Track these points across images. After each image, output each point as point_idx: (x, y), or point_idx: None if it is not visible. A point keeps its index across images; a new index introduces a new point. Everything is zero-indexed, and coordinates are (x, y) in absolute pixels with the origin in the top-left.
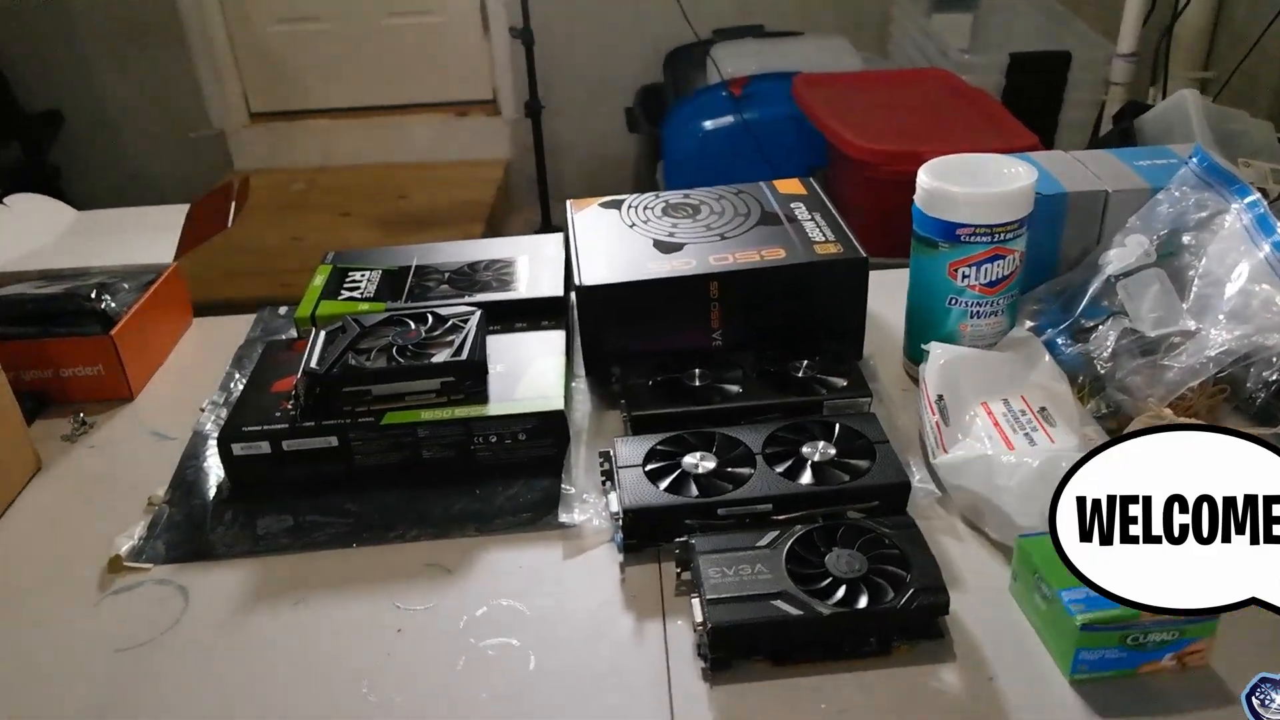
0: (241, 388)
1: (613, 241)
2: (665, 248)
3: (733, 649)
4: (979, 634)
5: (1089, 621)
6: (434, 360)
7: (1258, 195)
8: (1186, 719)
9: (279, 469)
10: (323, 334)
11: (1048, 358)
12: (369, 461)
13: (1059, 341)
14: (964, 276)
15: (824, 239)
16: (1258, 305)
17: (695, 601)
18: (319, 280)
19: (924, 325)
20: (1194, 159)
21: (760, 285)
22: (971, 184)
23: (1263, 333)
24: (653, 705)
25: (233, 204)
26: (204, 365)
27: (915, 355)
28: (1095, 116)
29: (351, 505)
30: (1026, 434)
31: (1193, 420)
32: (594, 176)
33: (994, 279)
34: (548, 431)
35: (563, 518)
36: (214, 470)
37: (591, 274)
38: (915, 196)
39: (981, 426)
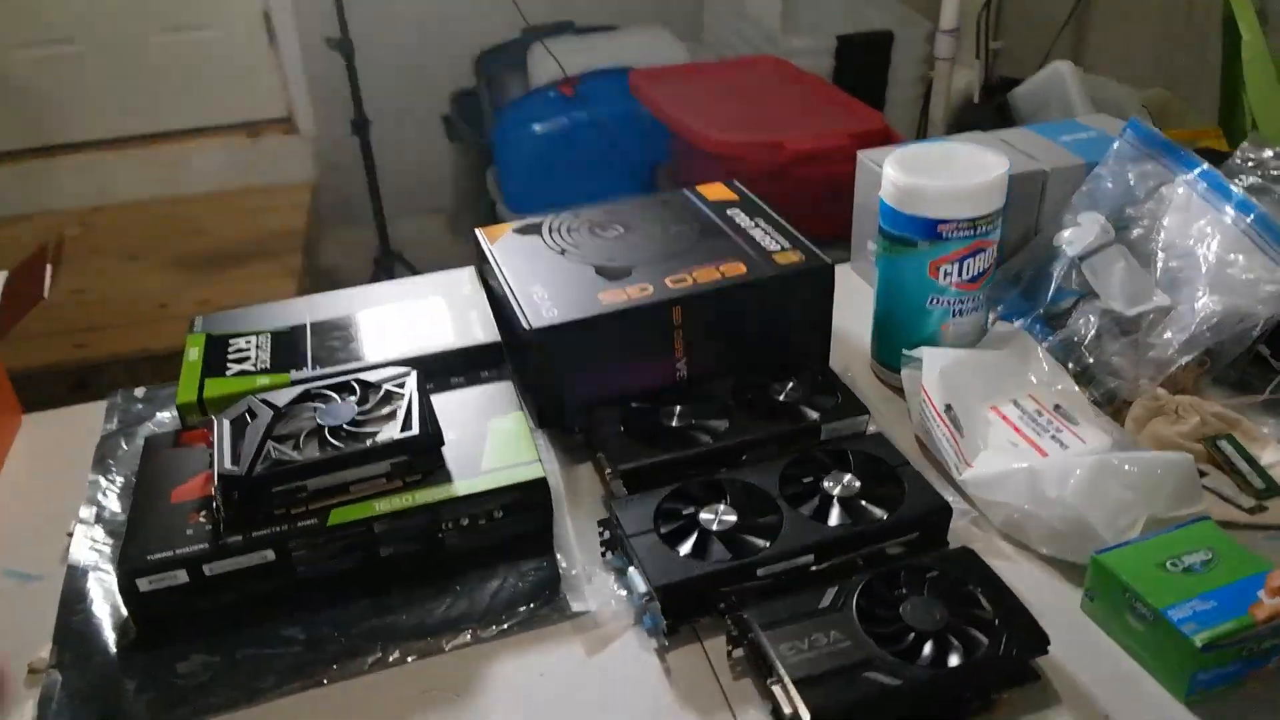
0: (119, 502)
1: (548, 272)
2: (610, 274)
3: None
4: (1070, 666)
5: (1209, 641)
6: (379, 440)
7: (1206, 164)
8: None
9: (197, 599)
10: (227, 424)
11: (1041, 351)
12: (314, 571)
13: (1036, 331)
14: (945, 274)
15: (779, 247)
16: (1238, 274)
17: (777, 689)
18: (194, 354)
19: (900, 329)
20: (1129, 131)
21: (725, 305)
22: (948, 177)
23: (1248, 301)
24: None
25: (49, 268)
26: (53, 475)
27: (890, 362)
28: (923, 93)
29: (295, 630)
30: (1053, 436)
31: (1189, 397)
32: (416, 191)
33: (975, 274)
34: (529, 505)
35: (575, 605)
36: (108, 610)
37: (539, 313)
38: (884, 193)
39: (1002, 433)
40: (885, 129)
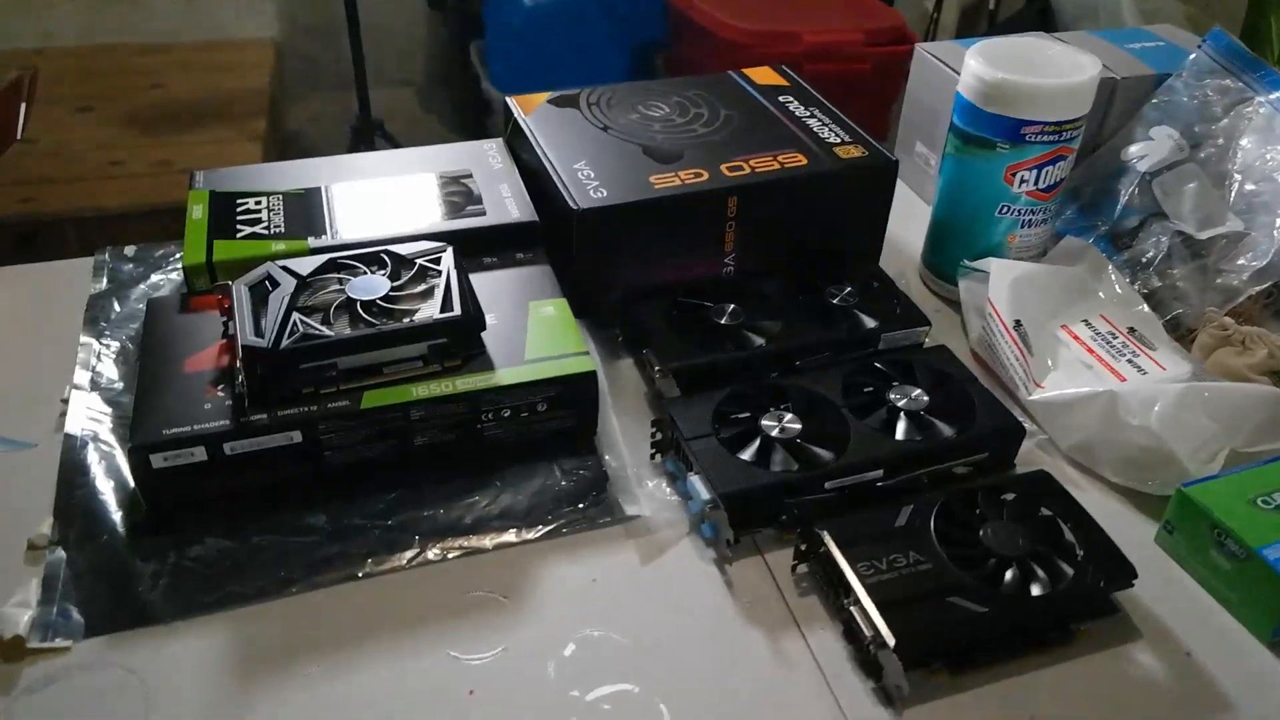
0: (116, 368)
1: (591, 150)
2: (660, 156)
3: (917, 662)
4: (1148, 601)
5: None
6: (419, 319)
7: None
8: None
9: (215, 480)
10: (245, 291)
11: (1112, 269)
12: (343, 458)
13: (1100, 249)
14: (1021, 181)
15: (839, 140)
16: None
17: (855, 609)
18: (198, 212)
19: (962, 237)
20: (1209, 42)
21: (784, 198)
22: (1034, 74)
23: None
24: None
25: (22, 106)
26: (38, 335)
27: (945, 270)
28: None
29: (321, 519)
30: (1129, 360)
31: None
32: (390, 60)
33: (1051, 183)
34: (577, 400)
35: (629, 509)
36: (112, 486)
37: (586, 193)
38: (964, 88)
39: (1074, 354)
40: (902, 27)
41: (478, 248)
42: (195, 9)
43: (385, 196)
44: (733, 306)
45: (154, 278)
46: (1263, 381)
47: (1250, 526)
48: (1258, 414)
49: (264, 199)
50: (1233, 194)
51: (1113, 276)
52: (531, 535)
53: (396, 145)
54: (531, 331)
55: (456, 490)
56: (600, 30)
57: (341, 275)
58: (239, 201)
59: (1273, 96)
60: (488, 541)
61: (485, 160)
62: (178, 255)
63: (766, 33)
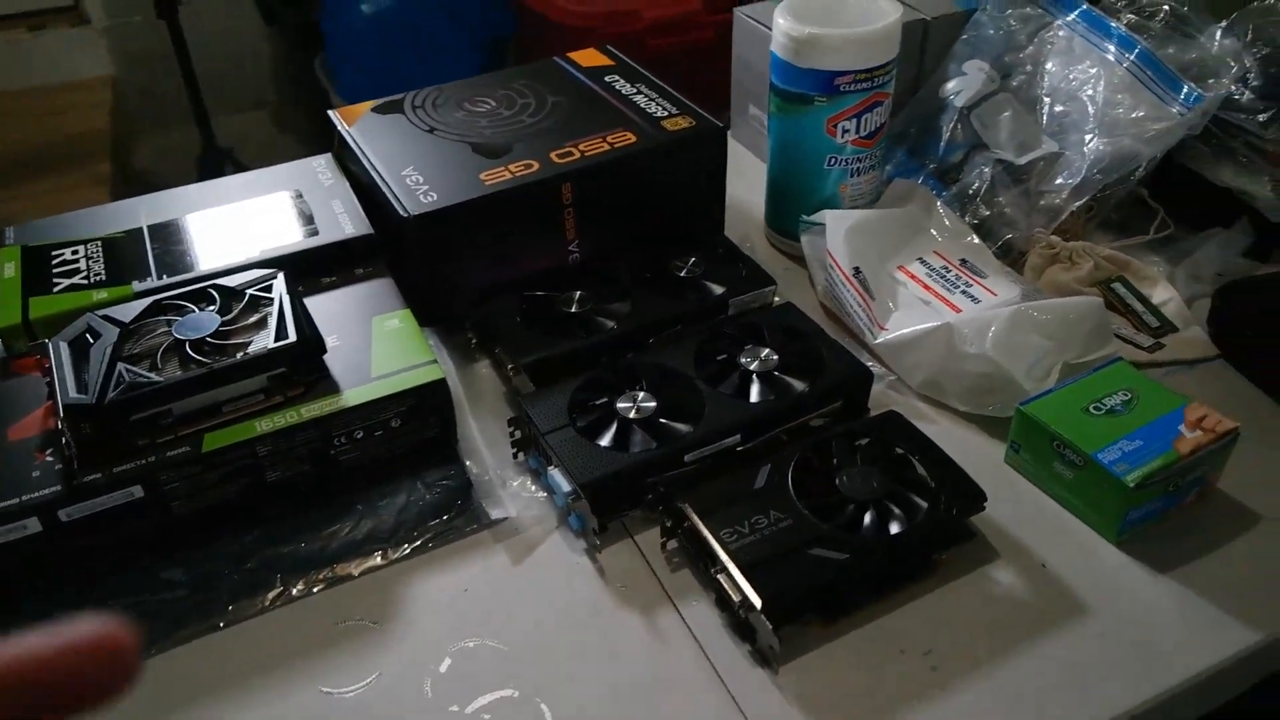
0: None
1: (419, 154)
2: (489, 151)
3: (786, 618)
4: (1001, 520)
5: (1140, 479)
6: (252, 351)
7: (1085, 3)
8: (1230, 544)
9: (55, 548)
10: (64, 346)
11: (940, 205)
12: (192, 505)
13: (930, 186)
14: (844, 131)
15: (666, 113)
16: (1124, 114)
17: (722, 577)
18: (10, 270)
19: (797, 193)
20: None
21: (617, 179)
22: (841, 25)
23: (1135, 141)
24: (720, 712)
25: None
26: None
27: (787, 228)
28: None
29: (176, 572)
30: (963, 291)
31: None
32: (232, 84)
33: (872, 129)
34: (430, 410)
35: (494, 512)
36: None
37: (416, 199)
38: (776, 46)
39: (912, 292)
40: None
41: (315, 268)
42: (19, 53)
43: (212, 228)
44: (580, 293)
45: None
46: (1091, 293)
47: (1085, 435)
48: (1084, 325)
49: (81, 247)
50: (1044, 117)
51: (941, 212)
52: (398, 555)
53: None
54: (376, 347)
55: (317, 521)
56: (445, 30)
57: (169, 317)
58: (54, 253)
59: (1069, 18)
60: (354, 569)
61: (315, 177)
62: None
63: (606, 13)
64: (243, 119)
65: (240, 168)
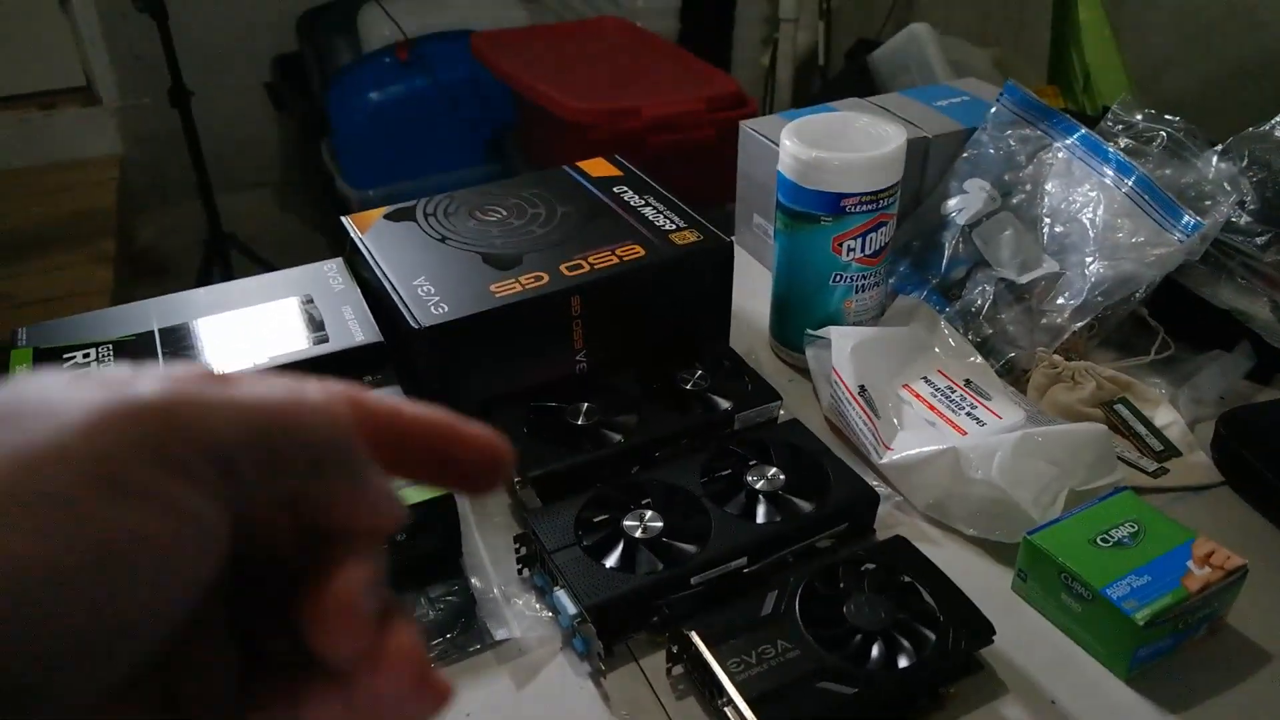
0: None
1: (430, 263)
2: (500, 263)
3: None
4: (1009, 651)
5: (1150, 618)
6: None
7: (1083, 128)
8: (1242, 684)
9: None
10: None
11: (944, 324)
12: None
13: (933, 303)
14: (849, 250)
15: (675, 226)
16: (1125, 239)
17: (729, 710)
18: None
19: (802, 308)
20: (1005, 95)
21: (626, 292)
22: (847, 148)
23: (1136, 265)
24: None
25: None
26: None
27: (792, 341)
28: (769, 56)
29: None
30: (968, 413)
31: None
32: (238, 165)
33: (877, 248)
34: (436, 524)
35: (498, 633)
36: None
37: (427, 310)
38: (784, 167)
39: (918, 412)
40: (739, 92)
41: (324, 374)
42: (29, 131)
43: (223, 333)
44: (587, 405)
45: None
46: (1095, 414)
47: (1093, 568)
48: (1089, 452)
49: (92, 350)
50: (1045, 237)
51: (945, 331)
52: None
53: (251, 254)
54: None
55: None
56: (448, 120)
57: None
58: (65, 356)
59: (1068, 142)
60: None
61: (326, 282)
62: None
63: (608, 110)
64: (247, 197)
65: (245, 249)
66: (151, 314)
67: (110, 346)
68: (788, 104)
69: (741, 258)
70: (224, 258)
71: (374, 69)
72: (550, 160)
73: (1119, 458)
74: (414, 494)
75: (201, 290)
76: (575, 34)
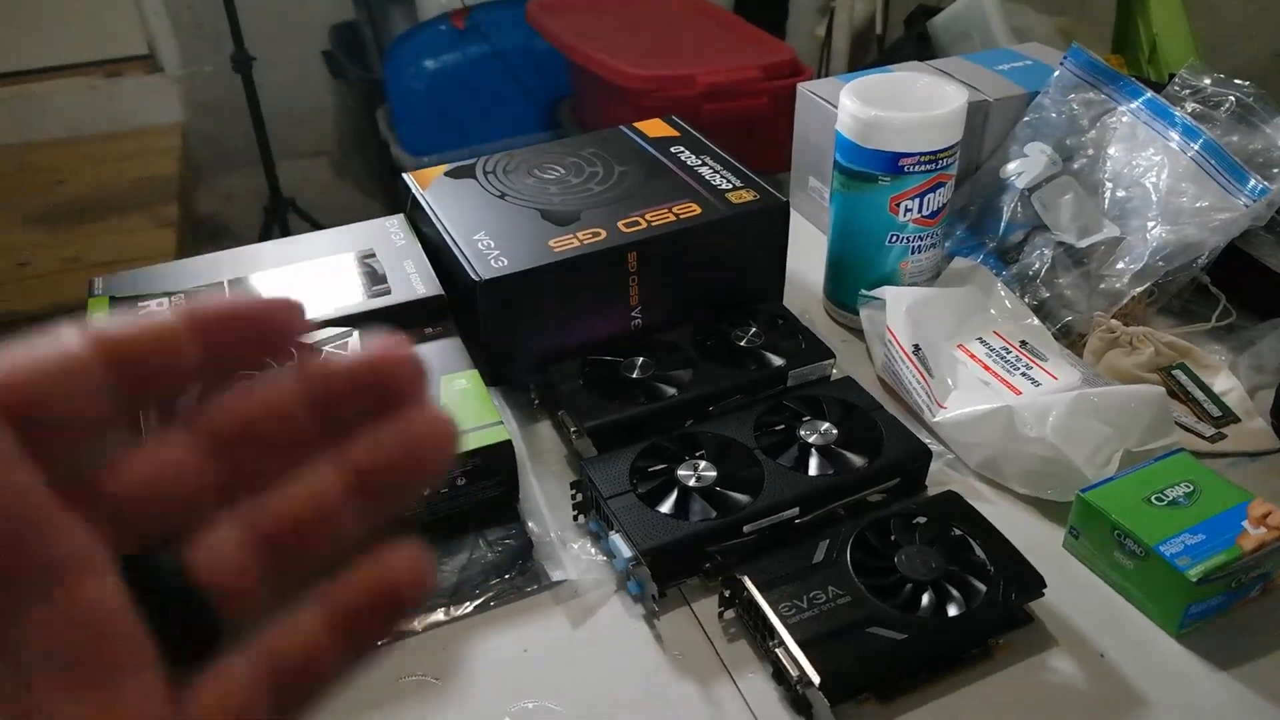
0: None
1: (490, 219)
2: (558, 219)
3: (843, 695)
4: (1059, 606)
5: (1203, 574)
6: None
7: (1149, 91)
8: None
9: None
10: None
11: (1000, 286)
12: None
13: (990, 265)
14: (906, 210)
15: (731, 185)
16: (1189, 203)
17: (780, 651)
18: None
19: (857, 268)
20: (1069, 59)
21: (682, 249)
22: (908, 108)
23: (1199, 230)
24: None
25: None
26: None
27: (846, 302)
28: (825, 26)
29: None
30: (1024, 374)
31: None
32: (297, 133)
33: (934, 209)
34: (495, 470)
35: (555, 574)
36: None
37: (487, 264)
38: (842, 126)
39: (972, 372)
40: (795, 60)
41: (386, 326)
42: (97, 99)
43: (289, 285)
44: (643, 359)
45: None
46: (1152, 379)
47: (1146, 525)
48: (1145, 414)
49: (165, 300)
50: (1106, 201)
51: (1002, 292)
52: (460, 612)
53: (309, 220)
54: (444, 406)
55: None
56: (504, 88)
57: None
58: (140, 304)
59: (1133, 105)
60: (416, 623)
61: (388, 237)
62: None
63: (663, 77)
64: (305, 165)
65: (303, 215)
66: (221, 266)
67: (182, 296)
68: (844, 72)
69: (796, 221)
70: (283, 223)
71: (430, 37)
72: (605, 128)
73: (1176, 422)
74: (473, 438)
75: (269, 244)
76: (631, 1)
